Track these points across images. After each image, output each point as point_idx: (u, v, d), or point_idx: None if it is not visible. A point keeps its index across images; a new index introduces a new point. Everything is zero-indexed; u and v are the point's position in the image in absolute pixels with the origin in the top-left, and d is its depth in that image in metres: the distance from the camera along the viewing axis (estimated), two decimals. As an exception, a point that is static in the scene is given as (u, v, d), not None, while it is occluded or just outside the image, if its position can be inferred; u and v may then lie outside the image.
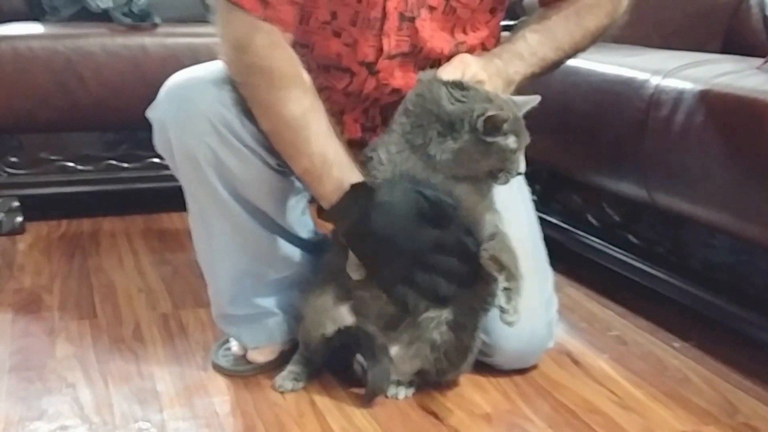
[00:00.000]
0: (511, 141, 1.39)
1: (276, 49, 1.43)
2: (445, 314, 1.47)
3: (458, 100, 1.39)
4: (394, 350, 1.49)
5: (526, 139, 1.42)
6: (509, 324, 1.39)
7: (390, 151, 1.43)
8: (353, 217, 1.41)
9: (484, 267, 1.42)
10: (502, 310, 1.38)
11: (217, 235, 1.55)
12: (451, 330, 1.48)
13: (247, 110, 1.47)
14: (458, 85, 1.41)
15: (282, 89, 1.42)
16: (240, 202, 1.52)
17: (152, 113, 1.53)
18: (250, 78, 1.44)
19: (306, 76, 1.45)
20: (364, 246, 1.43)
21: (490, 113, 1.35)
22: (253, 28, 1.41)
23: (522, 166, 1.43)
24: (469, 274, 1.44)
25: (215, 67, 1.52)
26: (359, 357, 1.51)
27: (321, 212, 1.47)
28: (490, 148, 1.38)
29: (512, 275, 1.39)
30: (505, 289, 1.39)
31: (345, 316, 1.51)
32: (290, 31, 1.46)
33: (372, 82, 1.53)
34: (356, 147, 1.62)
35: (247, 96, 1.45)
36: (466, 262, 1.43)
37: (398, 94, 1.53)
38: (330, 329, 1.50)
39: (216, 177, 1.49)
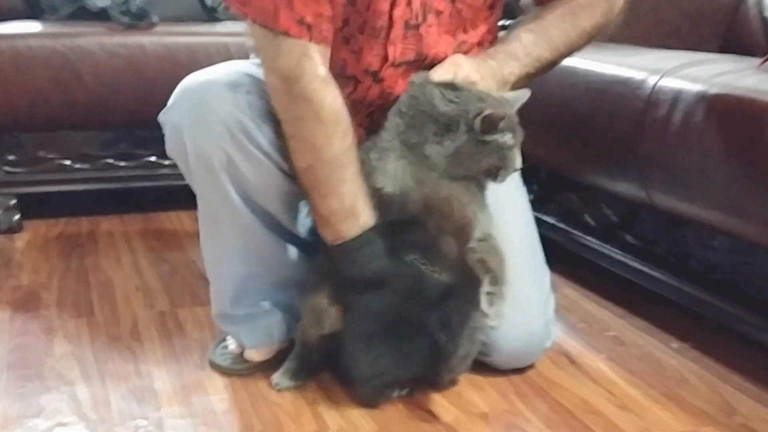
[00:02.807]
0: (508, 138, 1.39)
1: (326, 83, 1.40)
2: (440, 322, 1.47)
3: (451, 101, 1.39)
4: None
5: (521, 134, 1.42)
6: (492, 329, 1.40)
7: (383, 149, 1.42)
8: (366, 265, 1.43)
9: (473, 268, 1.43)
10: (484, 315, 1.38)
11: (226, 238, 1.55)
12: (448, 336, 1.49)
13: (262, 113, 1.46)
14: (450, 86, 1.41)
15: (329, 124, 1.40)
16: (250, 206, 1.52)
17: (165, 117, 1.53)
18: (297, 109, 1.40)
19: (349, 115, 1.43)
20: (367, 287, 1.45)
21: (486, 112, 1.35)
22: (303, 56, 1.38)
23: (519, 162, 1.43)
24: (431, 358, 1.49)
25: (228, 69, 1.51)
26: None
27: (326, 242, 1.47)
28: (488, 147, 1.38)
29: (497, 279, 1.38)
30: (489, 293, 1.38)
31: (341, 316, 1.50)
32: (329, 48, 1.43)
33: (376, 90, 1.52)
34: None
35: (289, 130, 1.42)
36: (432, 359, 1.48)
37: None
38: (327, 329, 1.50)
39: (229, 181, 1.48)
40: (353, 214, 1.42)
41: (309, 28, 1.38)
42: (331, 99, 1.40)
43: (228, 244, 1.56)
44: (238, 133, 1.45)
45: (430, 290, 1.45)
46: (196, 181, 1.53)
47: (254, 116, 1.46)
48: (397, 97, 1.51)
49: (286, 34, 1.37)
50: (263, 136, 1.47)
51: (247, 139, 1.46)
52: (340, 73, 1.52)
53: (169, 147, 1.54)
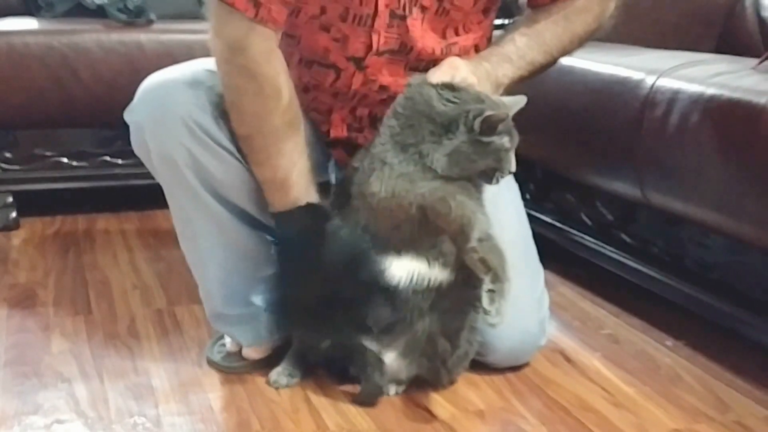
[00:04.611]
0: (505, 141, 1.39)
1: (272, 57, 1.42)
2: (438, 324, 1.48)
3: (450, 101, 1.39)
4: (390, 356, 1.50)
5: (517, 138, 1.42)
6: (492, 326, 1.38)
7: (376, 154, 1.41)
8: (302, 230, 1.46)
9: (472, 269, 1.43)
10: (485, 312, 1.36)
11: (202, 236, 1.56)
12: (447, 339, 1.49)
13: (222, 111, 1.47)
14: (448, 87, 1.41)
15: (269, 99, 1.42)
16: (221, 202, 1.52)
17: (129, 116, 1.54)
18: (239, 80, 1.43)
19: (293, 89, 1.45)
20: (300, 260, 1.48)
21: (487, 113, 1.35)
22: (250, 30, 1.40)
23: (513, 165, 1.43)
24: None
25: (190, 68, 1.52)
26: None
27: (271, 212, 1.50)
28: (486, 148, 1.38)
29: (498, 277, 1.38)
30: (490, 290, 1.37)
31: (343, 326, 1.50)
32: (281, 29, 1.45)
33: (360, 78, 1.53)
34: (341, 146, 1.63)
35: (230, 98, 1.45)
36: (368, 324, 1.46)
37: (386, 91, 1.54)
38: (326, 337, 1.51)
39: (195, 178, 1.49)
40: (285, 187, 1.45)
41: (257, 5, 1.39)
42: (273, 74, 1.42)
43: (205, 243, 1.56)
44: (198, 130, 1.47)
45: (364, 273, 1.44)
46: (162, 180, 1.54)
47: (215, 112, 1.48)
48: (381, 86, 1.53)
49: (233, 6, 1.39)
50: (224, 132, 1.48)
51: (207, 136, 1.47)
52: (321, 61, 1.53)
53: (135, 146, 1.55)
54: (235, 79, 1.43)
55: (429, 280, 1.44)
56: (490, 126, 1.36)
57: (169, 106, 1.47)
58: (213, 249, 1.56)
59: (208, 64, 1.53)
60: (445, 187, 1.39)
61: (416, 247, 1.43)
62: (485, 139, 1.37)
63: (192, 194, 1.51)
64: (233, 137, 1.48)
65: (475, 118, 1.36)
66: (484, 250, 1.39)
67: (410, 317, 1.47)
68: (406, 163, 1.39)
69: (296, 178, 1.45)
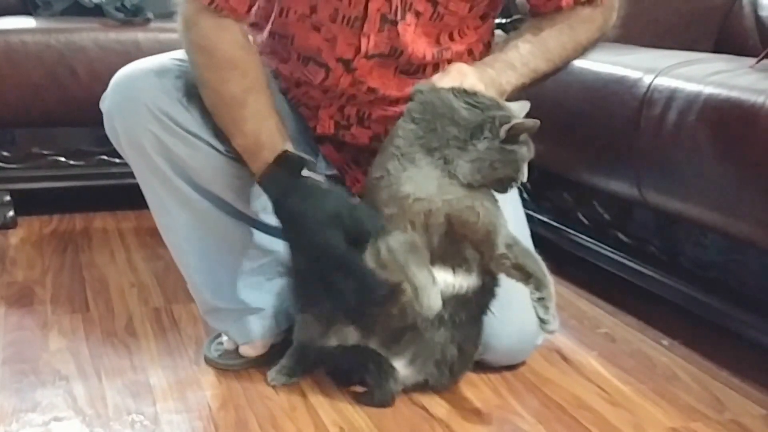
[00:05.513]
0: (524, 150, 1.37)
1: (221, 30, 1.45)
2: (451, 333, 1.47)
3: (472, 106, 1.37)
4: (399, 363, 1.49)
5: (533, 148, 1.40)
6: (551, 333, 1.42)
7: (403, 155, 1.38)
8: (280, 188, 1.44)
9: (507, 276, 1.43)
10: (543, 321, 1.38)
11: (180, 226, 1.56)
12: (457, 347, 1.49)
13: (190, 97, 1.49)
14: (462, 92, 1.39)
15: (222, 70, 1.45)
16: (195, 189, 1.53)
17: (102, 105, 1.56)
18: (193, 55, 1.47)
19: (252, 57, 1.48)
20: (285, 222, 1.46)
21: (515, 121, 1.34)
22: (202, 8, 1.44)
23: (526, 175, 1.41)
24: (357, 306, 1.41)
25: (161, 57, 1.55)
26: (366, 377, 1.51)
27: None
28: (508, 156, 1.36)
29: (541, 283, 1.39)
30: (539, 299, 1.39)
31: (350, 331, 1.50)
32: (243, 20, 1.48)
33: (348, 79, 1.54)
34: (329, 143, 1.64)
35: (193, 74, 1.48)
36: (360, 293, 1.39)
37: (374, 93, 1.55)
38: (333, 343, 1.50)
39: (165, 164, 1.50)
40: (257, 149, 1.46)
41: None
42: (224, 46, 1.45)
43: (184, 232, 1.56)
44: (163, 116, 1.48)
45: (350, 225, 1.40)
46: (134, 166, 1.55)
47: (183, 99, 1.49)
48: (369, 88, 1.54)
49: None
50: (193, 117, 1.50)
51: (173, 122, 1.49)
52: (316, 58, 1.54)
53: (108, 134, 1.57)
54: (191, 54, 1.48)
55: (453, 287, 1.44)
56: (515, 134, 1.35)
57: (135, 94, 1.49)
58: (191, 238, 1.56)
59: (178, 53, 1.55)
60: (472, 195, 1.38)
61: (442, 257, 1.42)
62: (509, 147, 1.35)
63: (164, 180, 1.51)
64: (204, 122, 1.50)
65: (501, 124, 1.34)
66: (516, 255, 1.40)
67: (426, 325, 1.45)
68: (433, 167, 1.37)
69: (266, 139, 1.46)
